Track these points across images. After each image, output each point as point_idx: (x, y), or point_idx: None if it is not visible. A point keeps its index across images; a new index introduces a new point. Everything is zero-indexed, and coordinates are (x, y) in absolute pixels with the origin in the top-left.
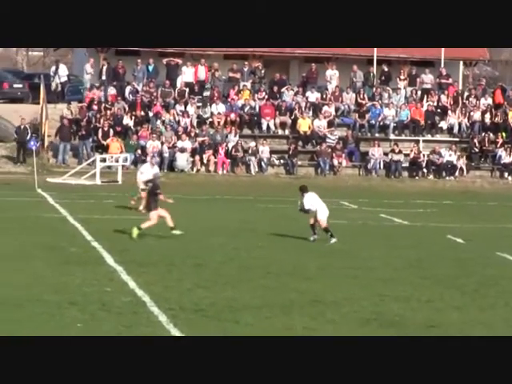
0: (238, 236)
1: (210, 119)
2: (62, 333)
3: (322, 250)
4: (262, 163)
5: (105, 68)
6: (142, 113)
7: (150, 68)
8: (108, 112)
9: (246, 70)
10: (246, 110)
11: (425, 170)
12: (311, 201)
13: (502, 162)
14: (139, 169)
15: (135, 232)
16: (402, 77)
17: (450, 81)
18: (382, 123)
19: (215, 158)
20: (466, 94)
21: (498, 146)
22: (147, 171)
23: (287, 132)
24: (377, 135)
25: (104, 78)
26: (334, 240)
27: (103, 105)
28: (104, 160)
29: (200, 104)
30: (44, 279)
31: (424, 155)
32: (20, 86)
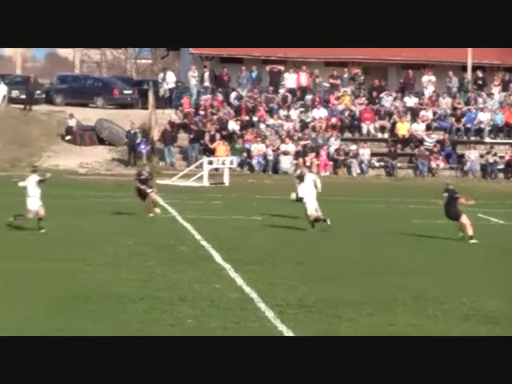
0: (338, 234)
1: (312, 123)
2: (173, 328)
3: (421, 246)
4: (363, 165)
5: (206, 75)
6: (247, 117)
7: (254, 75)
8: (214, 117)
9: (345, 76)
10: (346, 114)
11: None
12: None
13: None
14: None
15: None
16: (495, 82)
17: None
18: (477, 127)
19: (317, 160)
20: None
21: None
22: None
23: (386, 135)
24: (472, 138)
25: (206, 84)
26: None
27: (209, 110)
28: (211, 163)
29: (302, 109)
30: (157, 276)
31: None
32: (130, 92)
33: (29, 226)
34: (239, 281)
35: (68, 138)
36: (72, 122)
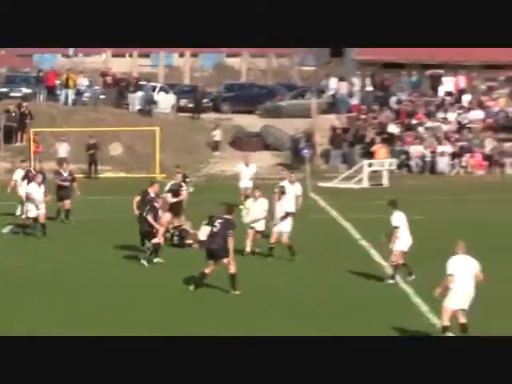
0: None
1: (469, 125)
2: None
3: None
4: None
5: (368, 80)
6: (406, 121)
7: (414, 79)
8: (375, 121)
9: (502, 78)
10: (501, 115)
11: None
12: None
13: None
14: None
15: None
16: None
17: None
18: None
19: (472, 160)
20: None
21: None
22: None
23: None
24: None
25: (368, 89)
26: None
27: (370, 114)
28: (371, 165)
29: (460, 111)
30: None
31: None
32: None
33: None
34: None
35: (217, 153)
36: (218, 136)
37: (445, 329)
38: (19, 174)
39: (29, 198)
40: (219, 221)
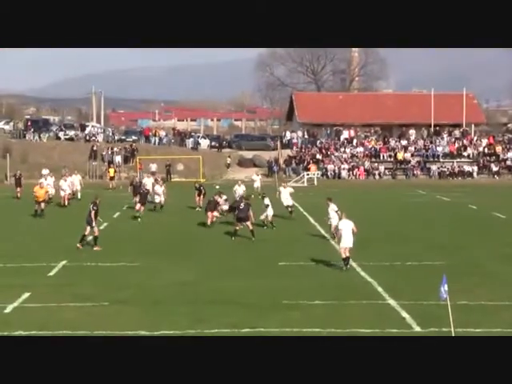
0: None
1: (356, 154)
2: None
3: None
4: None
5: (305, 132)
6: (325, 152)
7: (328, 132)
8: (309, 152)
9: (372, 131)
10: (372, 149)
11: None
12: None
13: None
14: None
15: None
16: (445, 133)
17: None
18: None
19: (359, 172)
20: None
21: None
22: None
23: None
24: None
25: (305, 137)
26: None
27: (306, 149)
28: (308, 174)
29: (352, 147)
30: None
31: None
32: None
33: None
34: None
35: (229, 169)
36: (230, 160)
37: (344, 259)
38: (149, 181)
39: (155, 192)
40: (244, 202)
